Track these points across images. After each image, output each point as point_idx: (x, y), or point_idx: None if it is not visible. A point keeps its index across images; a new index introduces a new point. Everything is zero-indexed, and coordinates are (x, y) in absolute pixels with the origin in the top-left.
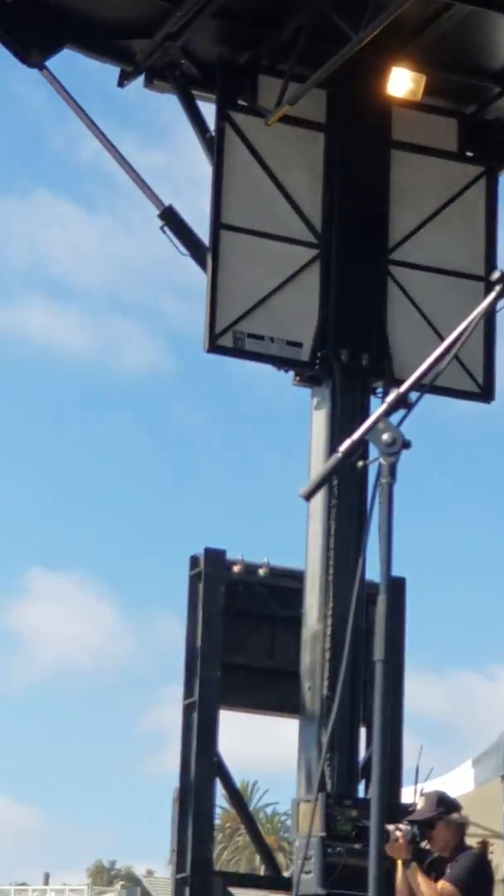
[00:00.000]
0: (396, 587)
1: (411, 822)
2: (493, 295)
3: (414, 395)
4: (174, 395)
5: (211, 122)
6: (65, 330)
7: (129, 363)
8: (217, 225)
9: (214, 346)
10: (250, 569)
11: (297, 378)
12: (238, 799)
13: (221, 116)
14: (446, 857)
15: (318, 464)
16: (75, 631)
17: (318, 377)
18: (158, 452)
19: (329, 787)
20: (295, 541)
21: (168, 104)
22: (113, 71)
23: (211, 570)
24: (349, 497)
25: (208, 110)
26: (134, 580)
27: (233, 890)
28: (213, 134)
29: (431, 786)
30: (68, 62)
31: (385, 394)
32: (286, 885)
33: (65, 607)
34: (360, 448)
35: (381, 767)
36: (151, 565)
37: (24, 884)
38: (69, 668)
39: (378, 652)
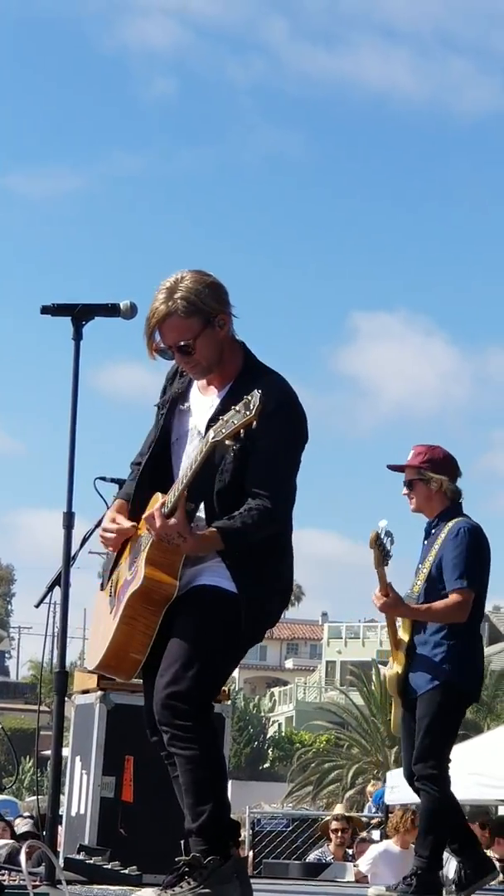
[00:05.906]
0: None
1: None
2: None
3: None
4: None
5: None
6: (398, 74)
7: (466, 105)
8: None
9: None
10: None
11: None
12: None
13: None
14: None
15: None
16: (410, 371)
17: None
18: (499, 197)
19: None
20: None
21: None
22: None
23: None
24: None
25: None
26: (465, 314)
27: None
28: None
29: None
30: None
31: None
32: None
33: (396, 348)
34: None
35: None
36: (483, 296)
37: (373, 620)
38: (411, 411)
39: None
